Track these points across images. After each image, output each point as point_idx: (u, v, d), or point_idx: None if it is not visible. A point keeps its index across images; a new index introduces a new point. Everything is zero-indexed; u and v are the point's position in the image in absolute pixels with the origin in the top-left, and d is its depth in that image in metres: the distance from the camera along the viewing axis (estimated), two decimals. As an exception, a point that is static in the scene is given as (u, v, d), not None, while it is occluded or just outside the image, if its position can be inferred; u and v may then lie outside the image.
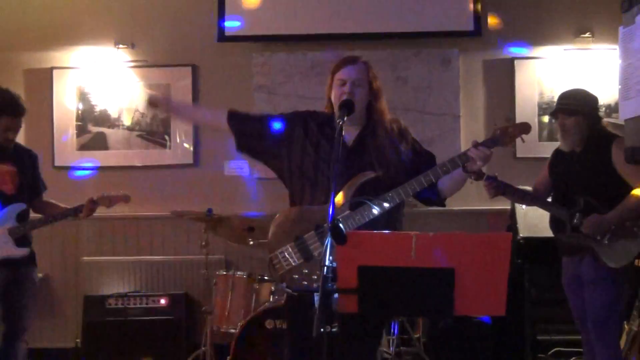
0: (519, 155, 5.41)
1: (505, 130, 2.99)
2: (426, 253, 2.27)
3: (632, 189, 3.67)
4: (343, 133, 2.97)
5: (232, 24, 5.54)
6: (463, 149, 5.37)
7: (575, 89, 4.05)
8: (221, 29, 5.53)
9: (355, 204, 2.95)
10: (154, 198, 5.42)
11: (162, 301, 5.22)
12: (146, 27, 5.69)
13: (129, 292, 5.29)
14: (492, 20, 5.55)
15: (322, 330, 2.24)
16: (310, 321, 2.28)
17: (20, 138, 4.23)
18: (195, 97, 5.65)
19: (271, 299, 4.50)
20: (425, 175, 2.94)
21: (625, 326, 4.00)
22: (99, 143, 5.65)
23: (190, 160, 5.65)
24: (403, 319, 4.84)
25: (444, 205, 3.20)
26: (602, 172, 3.75)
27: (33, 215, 4.22)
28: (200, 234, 4.96)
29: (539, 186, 4.10)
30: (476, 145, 2.94)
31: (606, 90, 5.19)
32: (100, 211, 4.23)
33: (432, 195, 3.11)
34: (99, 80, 5.65)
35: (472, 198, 5.49)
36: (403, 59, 5.55)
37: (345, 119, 2.80)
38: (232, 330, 4.48)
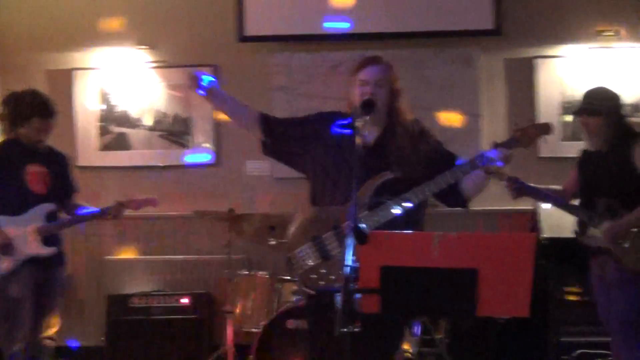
0: (541, 155, 5.36)
1: (525, 131, 2.98)
2: (449, 253, 2.26)
3: None
4: (364, 133, 3.00)
5: (252, 24, 5.54)
6: (484, 148, 5.37)
7: (598, 88, 4.00)
8: (241, 29, 5.54)
9: (373, 204, 2.95)
10: (175, 198, 5.45)
11: (185, 300, 5.24)
12: (167, 28, 5.72)
13: (152, 292, 5.32)
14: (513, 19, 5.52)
15: (344, 330, 2.24)
16: (332, 321, 2.28)
17: (44, 138, 4.27)
18: (216, 97, 5.67)
19: (293, 299, 4.51)
20: (443, 177, 2.94)
21: None
22: (121, 143, 5.69)
23: (211, 160, 5.67)
24: (425, 320, 4.82)
25: (467, 207, 3.19)
26: (625, 173, 3.71)
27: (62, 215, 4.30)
28: (222, 233, 4.99)
29: (568, 186, 4.05)
30: (495, 146, 2.93)
31: (630, 89, 5.14)
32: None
33: (454, 198, 3.11)
34: (120, 81, 5.69)
35: (494, 198, 5.45)
36: (423, 59, 5.53)
37: (366, 118, 2.80)
38: (254, 330, 4.50)
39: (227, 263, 4.94)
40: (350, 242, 2.33)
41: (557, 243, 4.72)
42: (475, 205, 5.27)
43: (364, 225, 2.33)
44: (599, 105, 3.80)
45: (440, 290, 2.29)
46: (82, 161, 5.56)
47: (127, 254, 5.64)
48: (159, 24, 5.72)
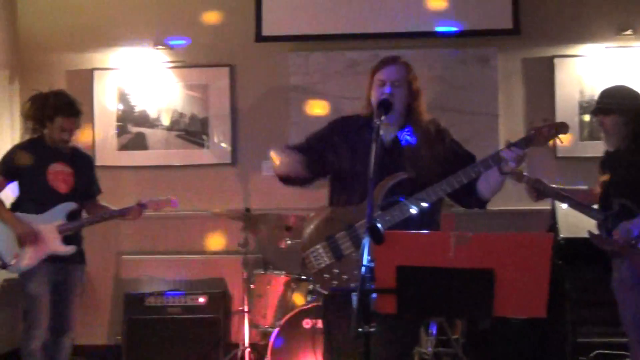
0: (559, 155, 5.34)
1: (540, 130, 2.94)
2: (465, 253, 2.25)
3: None
4: (382, 133, 2.99)
5: (269, 24, 5.55)
6: (501, 147, 5.34)
7: (614, 86, 3.96)
8: (258, 29, 5.55)
9: (386, 204, 2.94)
10: (192, 197, 5.46)
11: (201, 300, 5.25)
12: (184, 28, 5.74)
13: (169, 291, 5.34)
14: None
15: (359, 330, 2.23)
16: (347, 321, 2.28)
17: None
18: (233, 97, 5.68)
19: (308, 299, 4.51)
20: (456, 176, 2.92)
21: None
22: (138, 143, 5.72)
23: (228, 160, 5.68)
24: (442, 320, 4.80)
25: (484, 208, 3.17)
26: (634, 174, 3.67)
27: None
28: (238, 233, 5.00)
29: (595, 187, 4.01)
30: (509, 145, 2.91)
31: (649, 88, 5.09)
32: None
33: (470, 198, 3.09)
34: (139, 81, 5.72)
35: (511, 198, 5.43)
36: (441, 58, 5.51)
37: (383, 118, 2.79)
38: (270, 330, 4.51)
39: (243, 262, 4.96)
40: (366, 241, 2.32)
41: (574, 243, 4.69)
42: (492, 205, 5.25)
43: (379, 225, 2.31)
44: (614, 104, 3.76)
45: (457, 291, 2.28)
46: (101, 161, 5.58)
47: (144, 253, 5.66)
48: (177, 25, 5.74)
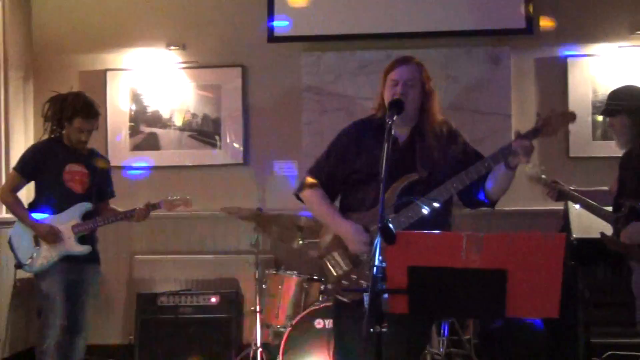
0: (572, 154, 5.33)
1: (548, 120, 2.91)
2: (477, 254, 2.24)
3: None
4: (396, 134, 2.98)
5: (281, 24, 5.56)
6: (515, 147, 5.33)
7: (623, 87, 3.95)
8: (270, 30, 5.55)
9: (399, 205, 2.94)
10: (205, 197, 5.47)
11: (213, 300, 5.26)
12: (197, 29, 5.76)
13: (181, 291, 5.35)
14: (545, 20, 5.46)
15: (371, 330, 2.23)
16: (359, 321, 2.27)
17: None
18: (245, 97, 5.69)
19: (320, 299, 4.51)
20: (467, 172, 2.91)
21: None
22: (151, 143, 5.74)
23: (240, 160, 5.69)
24: (453, 320, 4.80)
25: (493, 207, 3.15)
26: None
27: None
28: (250, 232, 5.01)
29: (613, 188, 4.00)
30: (518, 137, 2.90)
31: (663, 88, 5.05)
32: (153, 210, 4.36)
33: (479, 198, 3.08)
34: (151, 82, 5.75)
35: (524, 198, 5.41)
36: (453, 58, 5.50)
37: (394, 118, 2.77)
38: (282, 330, 4.51)
39: (255, 262, 4.96)
40: (378, 242, 2.32)
41: (587, 243, 4.66)
42: (505, 206, 5.25)
43: (391, 226, 2.31)
44: (622, 105, 3.75)
45: (469, 291, 2.26)
46: (113, 161, 5.60)
47: (156, 253, 5.68)
48: (190, 25, 5.77)
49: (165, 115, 5.74)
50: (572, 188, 4.05)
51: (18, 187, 4.30)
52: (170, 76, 5.73)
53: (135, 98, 5.76)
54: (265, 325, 4.79)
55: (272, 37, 5.57)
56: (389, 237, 2.27)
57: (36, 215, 4.19)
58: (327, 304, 4.30)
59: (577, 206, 4.51)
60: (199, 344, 5.16)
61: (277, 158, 5.69)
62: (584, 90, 5.41)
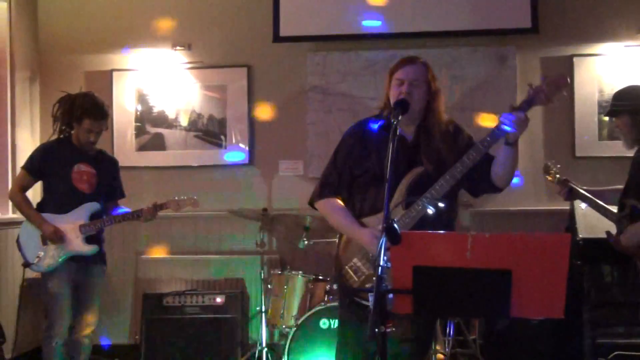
0: (578, 154, 5.32)
1: (540, 88, 2.90)
2: (482, 254, 2.23)
3: None
4: (403, 133, 3.00)
5: (286, 25, 5.55)
6: (520, 149, 5.30)
7: (626, 87, 3.95)
8: (276, 30, 5.56)
9: (409, 203, 2.95)
10: (210, 197, 5.48)
11: (219, 300, 5.26)
12: (202, 29, 5.77)
13: (186, 291, 5.36)
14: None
15: (376, 330, 2.23)
16: (364, 321, 2.27)
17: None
18: (250, 97, 5.70)
19: (325, 298, 4.52)
20: (468, 155, 2.92)
21: None
22: (157, 143, 5.76)
23: (246, 160, 5.70)
24: (459, 320, 4.80)
25: (499, 191, 3.13)
26: None
27: None
28: (255, 232, 5.02)
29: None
30: (512, 110, 2.89)
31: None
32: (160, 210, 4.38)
33: (486, 183, 3.07)
34: (157, 82, 5.76)
35: (529, 198, 5.42)
36: (459, 58, 5.49)
37: (400, 118, 2.77)
38: (287, 329, 4.52)
39: (260, 262, 4.97)
40: (383, 242, 2.31)
41: (593, 243, 4.66)
42: (510, 205, 5.29)
43: (396, 226, 2.30)
44: (625, 105, 3.76)
45: (474, 291, 2.25)
46: (119, 162, 5.63)
47: (162, 253, 5.69)
48: (195, 26, 5.78)
49: (171, 115, 5.76)
50: (584, 188, 4.06)
51: (27, 187, 4.33)
52: (176, 76, 5.75)
53: (141, 98, 5.77)
54: (270, 325, 4.80)
55: (278, 37, 5.56)
56: (394, 237, 2.27)
57: (44, 215, 4.20)
58: (333, 304, 4.31)
59: (583, 206, 4.52)
60: (205, 343, 5.17)
61: (283, 158, 5.70)
62: (590, 90, 5.39)
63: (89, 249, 4.21)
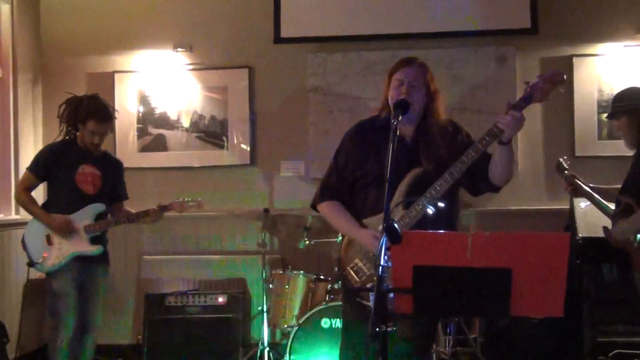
0: (577, 154, 5.34)
1: (536, 85, 2.90)
2: (482, 253, 2.25)
3: None
4: (403, 134, 3.02)
5: (287, 26, 5.56)
6: (519, 146, 5.35)
7: (625, 89, 4.00)
8: (277, 31, 5.57)
9: (409, 203, 2.96)
10: (212, 198, 5.48)
11: (220, 299, 5.29)
12: (204, 31, 5.79)
13: (188, 291, 5.38)
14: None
15: (377, 329, 2.25)
16: (366, 320, 2.29)
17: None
18: (252, 98, 5.72)
19: (327, 298, 4.54)
20: (467, 154, 2.93)
21: None
22: (159, 144, 5.78)
23: (247, 161, 5.72)
24: (459, 319, 4.81)
25: (497, 191, 3.15)
26: (639, 172, 3.70)
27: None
28: (257, 233, 5.04)
29: None
30: (509, 107, 2.90)
31: (668, 87, 5.05)
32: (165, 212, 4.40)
33: (484, 182, 3.09)
34: (159, 83, 5.78)
35: (529, 198, 5.44)
36: (459, 58, 5.51)
37: (400, 118, 2.80)
38: (289, 329, 4.54)
39: (262, 262, 4.99)
40: (383, 241, 2.33)
41: (593, 242, 4.67)
42: (510, 205, 5.31)
43: (397, 225, 2.32)
44: (623, 107, 3.80)
45: (474, 290, 2.27)
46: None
47: (164, 253, 5.71)
48: (197, 28, 5.80)
49: (172, 116, 5.78)
50: (590, 185, 4.10)
51: (32, 187, 4.36)
52: (177, 78, 5.77)
53: (143, 100, 5.80)
54: (272, 325, 4.82)
55: (279, 39, 5.58)
56: (394, 237, 2.29)
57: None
58: (334, 303, 4.34)
59: (583, 205, 4.55)
60: (207, 343, 5.19)
61: (284, 158, 5.72)
62: (589, 90, 5.41)
63: (93, 249, 4.24)
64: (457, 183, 3.01)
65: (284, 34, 5.58)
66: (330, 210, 3.22)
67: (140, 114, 5.79)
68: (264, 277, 4.99)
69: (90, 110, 4.20)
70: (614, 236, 3.69)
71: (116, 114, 4.45)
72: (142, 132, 5.79)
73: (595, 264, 4.78)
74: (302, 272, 4.75)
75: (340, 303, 3.86)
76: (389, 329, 2.27)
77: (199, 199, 4.50)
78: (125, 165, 5.29)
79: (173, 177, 5.75)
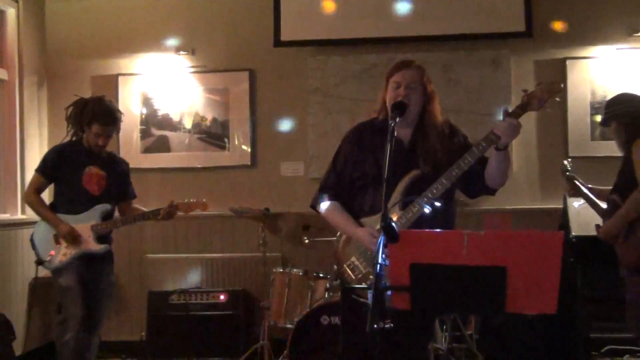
0: (571, 154, 5.37)
1: (533, 94, 2.94)
2: (478, 251, 2.26)
3: None
4: (400, 136, 3.04)
5: (287, 30, 5.62)
6: (515, 149, 5.42)
7: (616, 95, 4.10)
8: (277, 35, 5.63)
9: (406, 204, 3.00)
10: (213, 198, 5.48)
11: (222, 297, 5.34)
12: (206, 34, 5.84)
13: (191, 289, 5.43)
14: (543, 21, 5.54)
15: (375, 326, 2.26)
16: (364, 318, 2.34)
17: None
18: (252, 100, 5.78)
19: (326, 295, 4.59)
20: (464, 159, 2.95)
21: None
22: (161, 146, 5.84)
23: (248, 162, 5.78)
24: (456, 316, 4.87)
25: (493, 194, 3.20)
26: (627, 172, 3.80)
27: (116, 215, 4.50)
28: (258, 232, 5.07)
29: None
30: (506, 115, 2.94)
31: (660, 90, 5.13)
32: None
33: (480, 186, 3.13)
34: (162, 86, 5.84)
35: (523, 197, 5.51)
36: (455, 61, 5.56)
37: (397, 120, 2.82)
38: (289, 326, 4.57)
39: (262, 261, 5.04)
40: (381, 240, 2.35)
41: (586, 241, 4.73)
42: (505, 204, 5.38)
43: (394, 224, 2.35)
44: (613, 112, 3.91)
45: (470, 288, 2.28)
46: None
47: (167, 252, 5.77)
48: (199, 31, 5.85)
49: (175, 118, 5.84)
50: (588, 186, 4.21)
51: (41, 189, 4.41)
52: (180, 80, 5.83)
53: (146, 102, 5.86)
54: (272, 322, 4.86)
55: (279, 42, 5.64)
56: (391, 236, 2.32)
57: (58, 216, 4.29)
58: (333, 300, 4.39)
59: (577, 204, 4.67)
60: (209, 340, 5.25)
61: (284, 159, 5.78)
62: (582, 92, 5.47)
63: (100, 248, 4.30)
64: (454, 185, 3.05)
65: (284, 37, 5.64)
66: (329, 210, 3.26)
67: (144, 116, 5.85)
68: (264, 275, 5.03)
69: (95, 113, 4.25)
70: (600, 232, 3.82)
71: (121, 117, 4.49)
72: (145, 134, 5.85)
73: (588, 262, 4.84)
74: (301, 270, 4.78)
75: (339, 300, 3.91)
76: (387, 326, 2.32)
77: (204, 200, 4.56)
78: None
79: (175, 178, 5.80)
